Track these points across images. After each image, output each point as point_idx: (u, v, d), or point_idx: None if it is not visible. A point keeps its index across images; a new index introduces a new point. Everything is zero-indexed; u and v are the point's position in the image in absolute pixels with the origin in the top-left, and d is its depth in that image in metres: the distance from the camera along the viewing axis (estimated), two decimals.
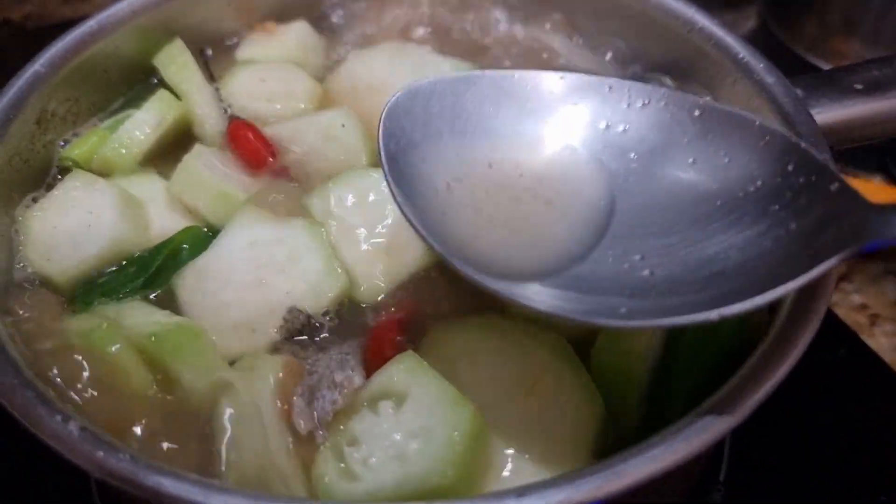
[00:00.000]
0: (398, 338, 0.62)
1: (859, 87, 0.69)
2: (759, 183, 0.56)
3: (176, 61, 0.78)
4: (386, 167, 0.57)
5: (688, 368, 0.58)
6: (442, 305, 0.65)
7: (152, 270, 0.66)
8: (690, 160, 0.59)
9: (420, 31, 0.88)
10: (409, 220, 0.55)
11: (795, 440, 0.83)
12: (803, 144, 0.55)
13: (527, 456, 0.54)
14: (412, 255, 0.66)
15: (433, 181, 0.60)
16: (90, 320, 0.61)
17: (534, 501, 0.44)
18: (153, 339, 0.59)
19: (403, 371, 0.57)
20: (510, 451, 0.55)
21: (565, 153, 0.63)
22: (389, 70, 0.80)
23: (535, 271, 0.56)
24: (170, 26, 0.80)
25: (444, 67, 0.80)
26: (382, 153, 0.58)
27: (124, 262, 0.67)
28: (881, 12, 1.16)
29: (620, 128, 0.62)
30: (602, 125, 0.63)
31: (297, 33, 0.85)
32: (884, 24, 1.17)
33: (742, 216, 0.55)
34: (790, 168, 0.55)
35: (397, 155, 0.59)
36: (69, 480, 0.77)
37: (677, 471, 0.59)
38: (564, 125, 0.63)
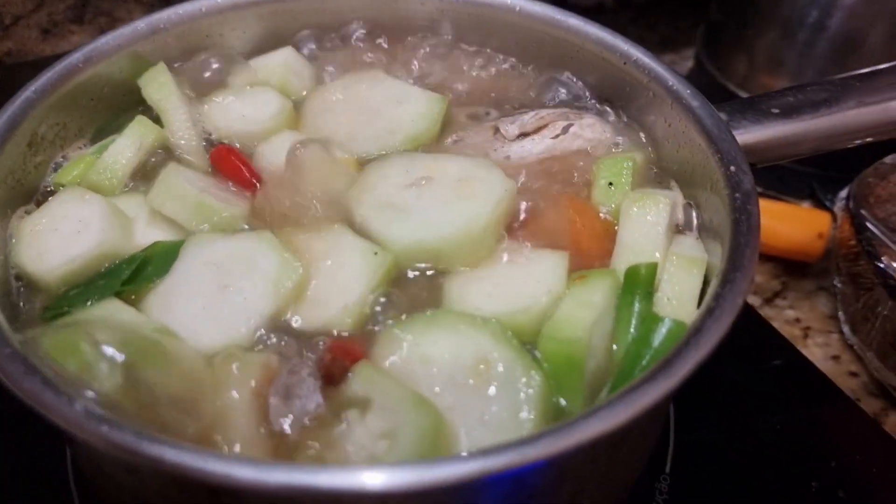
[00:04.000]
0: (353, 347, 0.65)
1: (776, 111, 0.77)
2: None
3: (156, 80, 0.83)
4: None
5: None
6: (387, 308, 0.69)
7: (122, 280, 0.68)
8: None
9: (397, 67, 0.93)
10: None
11: (737, 437, 0.91)
12: None
13: (483, 434, 0.59)
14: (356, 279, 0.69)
15: None
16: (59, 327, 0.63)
17: (485, 460, 0.49)
18: (121, 346, 0.60)
19: (362, 380, 0.61)
20: (467, 432, 0.60)
21: None
22: (367, 95, 0.87)
23: None
24: (153, 57, 0.86)
25: (419, 98, 0.85)
26: None
27: (96, 275, 0.69)
28: (804, 51, 1.27)
29: None
30: None
31: (284, 58, 0.91)
32: (806, 61, 1.28)
33: None
34: None
35: None
36: (46, 473, 0.82)
37: (621, 458, 0.65)
38: None
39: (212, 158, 0.80)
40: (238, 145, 0.83)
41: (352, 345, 0.66)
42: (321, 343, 0.66)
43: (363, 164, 0.80)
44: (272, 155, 0.80)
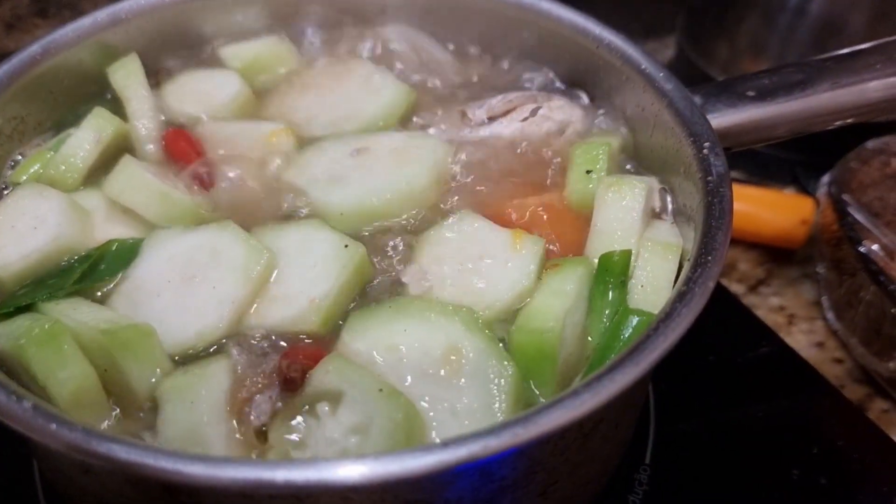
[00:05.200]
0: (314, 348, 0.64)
1: (751, 94, 0.75)
2: None
3: (124, 68, 0.82)
4: None
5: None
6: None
7: (73, 279, 0.66)
8: None
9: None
10: None
11: (718, 426, 0.89)
12: None
13: (455, 426, 0.58)
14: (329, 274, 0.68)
15: None
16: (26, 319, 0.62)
17: (444, 452, 0.48)
18: (105, 334, 0.59)
19: (333, 372, 0.59)
20: (439, 425, 0.58)
21: None
22: (340, 82, 0.86)
23: None
24: (112, 49, 0.84)
25: (387, 90, 0.85)
26: None
27: (46, 274, 0.67)
28: (785, 36, 1.26)
29: None
30: None
31: (271, 43, 0.91)
32: (787, 46, 1.26)
33: None
34: None
35: None
36: (14, 482, 0.80)
37: (594, 449, 0.64)
38: None
39: (165, 141, 0.78)
40: (192, 128, 0.82)
41: (312, 346, 0.64)
42: (281, 344, 0.64)
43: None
44: (224, 139, 0.79)
